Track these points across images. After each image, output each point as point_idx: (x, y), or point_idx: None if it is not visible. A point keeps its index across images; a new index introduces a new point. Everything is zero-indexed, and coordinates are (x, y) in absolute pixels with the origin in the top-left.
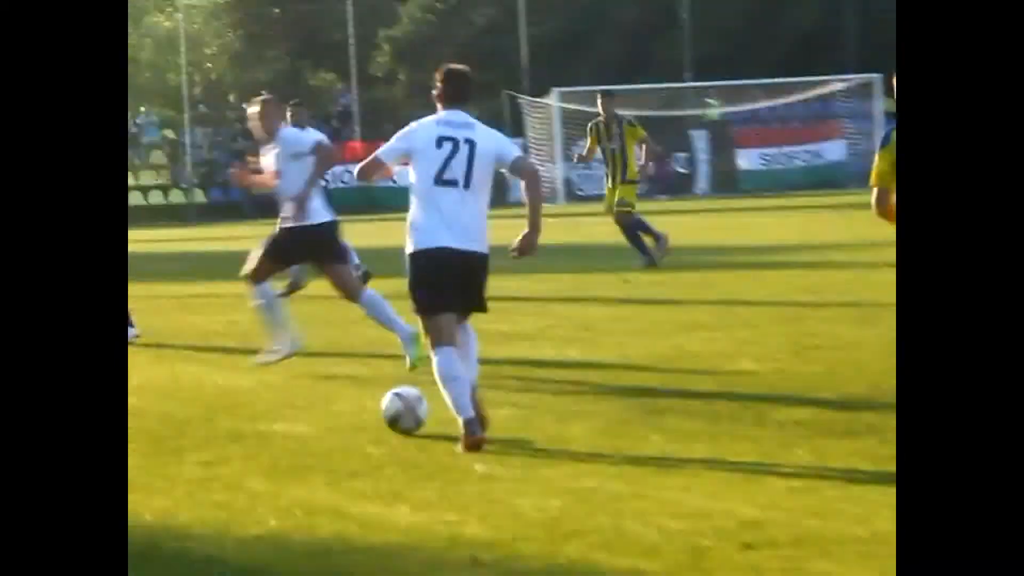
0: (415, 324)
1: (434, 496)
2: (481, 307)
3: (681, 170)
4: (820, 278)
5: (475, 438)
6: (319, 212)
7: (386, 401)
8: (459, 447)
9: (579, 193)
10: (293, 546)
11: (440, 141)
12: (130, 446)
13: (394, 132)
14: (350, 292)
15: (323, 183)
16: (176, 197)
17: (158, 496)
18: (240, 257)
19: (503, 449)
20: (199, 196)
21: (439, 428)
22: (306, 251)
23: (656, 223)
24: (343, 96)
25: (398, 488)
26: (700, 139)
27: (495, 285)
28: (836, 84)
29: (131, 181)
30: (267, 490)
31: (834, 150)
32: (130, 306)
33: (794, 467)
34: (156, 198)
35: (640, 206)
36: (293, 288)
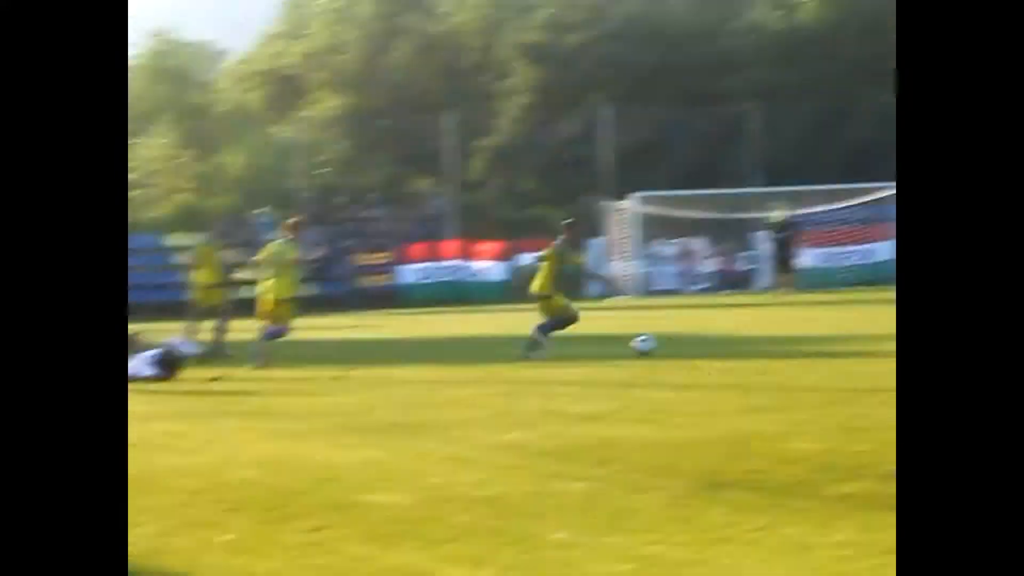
0: None
1: (515, 561)
2: None
3: (745, 268)
4: (869, 366)
5: None
6: None
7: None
8: None
9: (652, 288)
10: None
11: None
12: (242, 514)
13: (487, 232)
14: None
15: None
16: None
17: (266, 559)
18: (336, 345)
19: (578, 518)
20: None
21: (522, 502)
22: None
23: (722, 315)
24: (436, 200)
25: (482, 553)
26: (763, 240)
27: (575, 371)
28: (887, 191)
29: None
30: (365, 554)
31: (883, 251)
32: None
33: (842, 537)
34: None
35: (706, 299)
36: None
